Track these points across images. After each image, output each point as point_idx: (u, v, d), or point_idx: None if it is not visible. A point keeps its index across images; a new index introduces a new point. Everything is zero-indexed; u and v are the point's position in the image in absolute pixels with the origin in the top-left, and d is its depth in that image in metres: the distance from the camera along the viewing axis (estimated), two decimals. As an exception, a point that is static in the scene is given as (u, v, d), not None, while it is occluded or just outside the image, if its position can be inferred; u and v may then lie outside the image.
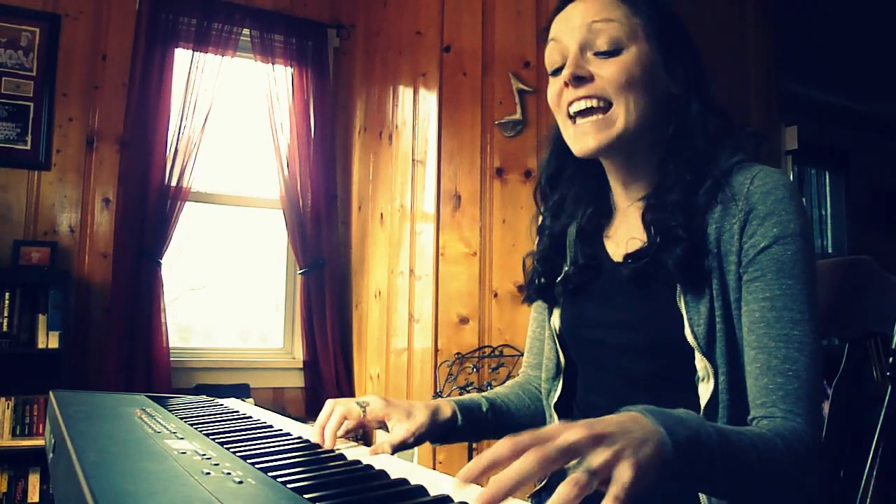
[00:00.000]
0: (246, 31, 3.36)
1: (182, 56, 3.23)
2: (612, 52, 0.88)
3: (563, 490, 0.53)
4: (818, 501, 0.91)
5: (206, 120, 3.19)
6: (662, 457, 0.59)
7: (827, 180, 5.80)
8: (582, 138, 0.90)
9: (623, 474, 0.55)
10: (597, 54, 0.89)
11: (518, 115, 2.61)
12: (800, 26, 3.97)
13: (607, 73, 0.88)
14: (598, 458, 0.55)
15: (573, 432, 0.55)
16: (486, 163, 2.65)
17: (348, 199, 3.56)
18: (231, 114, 3.53)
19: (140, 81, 3.10)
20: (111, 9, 3.19)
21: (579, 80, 0.88)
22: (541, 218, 1.07)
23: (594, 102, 0.88)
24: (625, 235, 0.96)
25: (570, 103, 0.90)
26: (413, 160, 2.90)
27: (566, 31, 0.91)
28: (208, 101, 3.21)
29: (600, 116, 0.88)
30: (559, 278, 1.01)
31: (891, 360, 0.87)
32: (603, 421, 0.58)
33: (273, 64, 3.39)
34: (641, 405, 0.64)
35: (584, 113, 0.89)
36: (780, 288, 0.81)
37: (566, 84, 0.89)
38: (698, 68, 0.93)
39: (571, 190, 1.02)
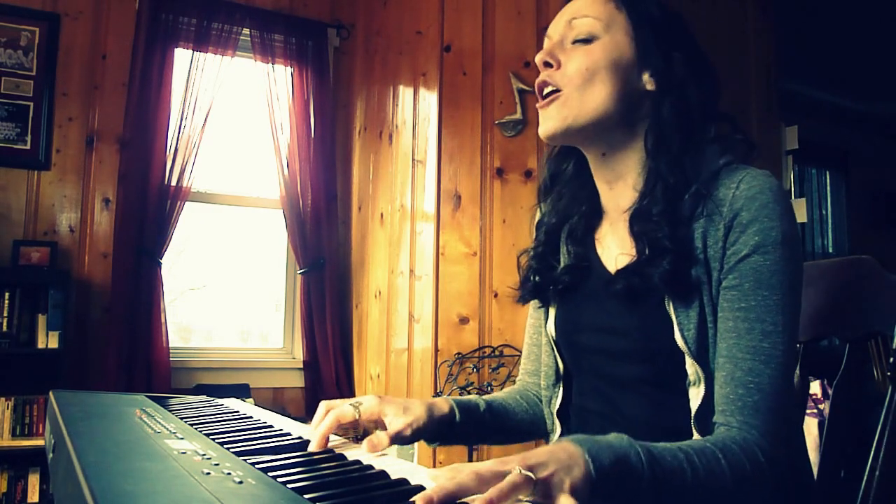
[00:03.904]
0: (246, 31, 3.36)
1: (182, 56, 3.24)
2: (584, 41, 0.92)
3: (502, 483, 0.57)
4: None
5: (206, 120, 3.19)
6: (590, 478, 0.65)
7: (827, 180, 5.80)
8: (544, 122, 0.93)
9: (563, 494, 0.61)
10: (572, 44, 0.93)
11: (518, 115, 2.61)
12: (800, 26, 3.97)
13: (573, 59, 0.91)
14: (539, 473, 0.61)
15: (509, 463, 0.61)
16: (487, 163, 2.65)
17: (348, 199, 3.56)
18: (231, 114, 3.53)
19: (140, 81, 3.10)
20: (111, 9, 3.19)
21: (546, 65, 0.93)
22: (539, 214, 1.08)
23: (557, 86, 0.91)
24: (614, 245, 0.96)
25: (539, 88, 0.93)
26: (413, 160, 2.90)
27: (553, 27, 0.96)
28: (208, 100, 3.21)
29: (561, 100, 0.91)
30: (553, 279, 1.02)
31: (891, 360, 0.86)
32: (534, 452, 0.65)
33: (273, 64, 3.39)
34: (572, 435, 0.69)
35: (547, 95, 0.92)
36: (756, 299, 0.81)
37: (540, 70, 0.94)
38: (690, 70, 0.91)
39: (569, 189, 1.03)
